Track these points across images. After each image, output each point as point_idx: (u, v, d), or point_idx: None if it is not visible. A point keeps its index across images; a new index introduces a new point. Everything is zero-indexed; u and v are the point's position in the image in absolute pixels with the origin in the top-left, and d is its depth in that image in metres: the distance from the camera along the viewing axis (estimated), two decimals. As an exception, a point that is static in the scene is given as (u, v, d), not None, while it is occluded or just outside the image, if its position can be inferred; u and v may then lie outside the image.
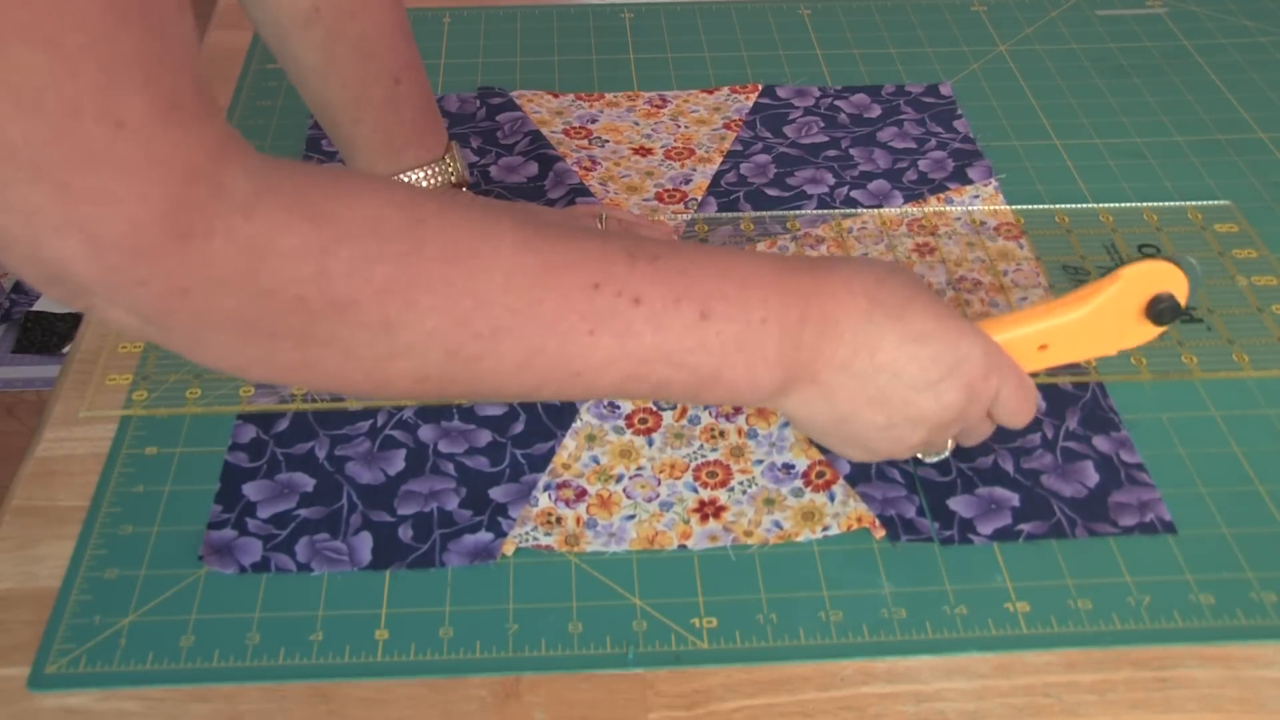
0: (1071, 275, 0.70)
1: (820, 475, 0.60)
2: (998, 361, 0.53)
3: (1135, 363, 0.65)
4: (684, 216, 0.75)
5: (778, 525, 0.58)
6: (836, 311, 0.50)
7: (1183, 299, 0.55)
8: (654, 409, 0.63)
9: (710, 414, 0.63)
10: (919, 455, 0.58)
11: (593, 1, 0.97)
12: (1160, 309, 0.55)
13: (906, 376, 0.51)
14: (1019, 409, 0.54)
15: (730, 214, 0.75)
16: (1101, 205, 0.76)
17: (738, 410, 0.63)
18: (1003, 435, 0.62)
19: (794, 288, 0.50)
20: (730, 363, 0.49)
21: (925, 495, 0.59)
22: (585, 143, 0.82)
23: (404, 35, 0.65)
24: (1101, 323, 0.55)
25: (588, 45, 0.92)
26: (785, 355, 0.50)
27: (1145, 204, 0.76)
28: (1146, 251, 0.72)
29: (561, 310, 0.46)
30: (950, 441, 0.57)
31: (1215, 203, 0.76)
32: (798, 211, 0.75)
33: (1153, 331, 0.56)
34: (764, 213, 0.75)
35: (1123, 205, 0.76)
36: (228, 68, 0.89)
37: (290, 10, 0.61)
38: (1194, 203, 0.76)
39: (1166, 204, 0.76)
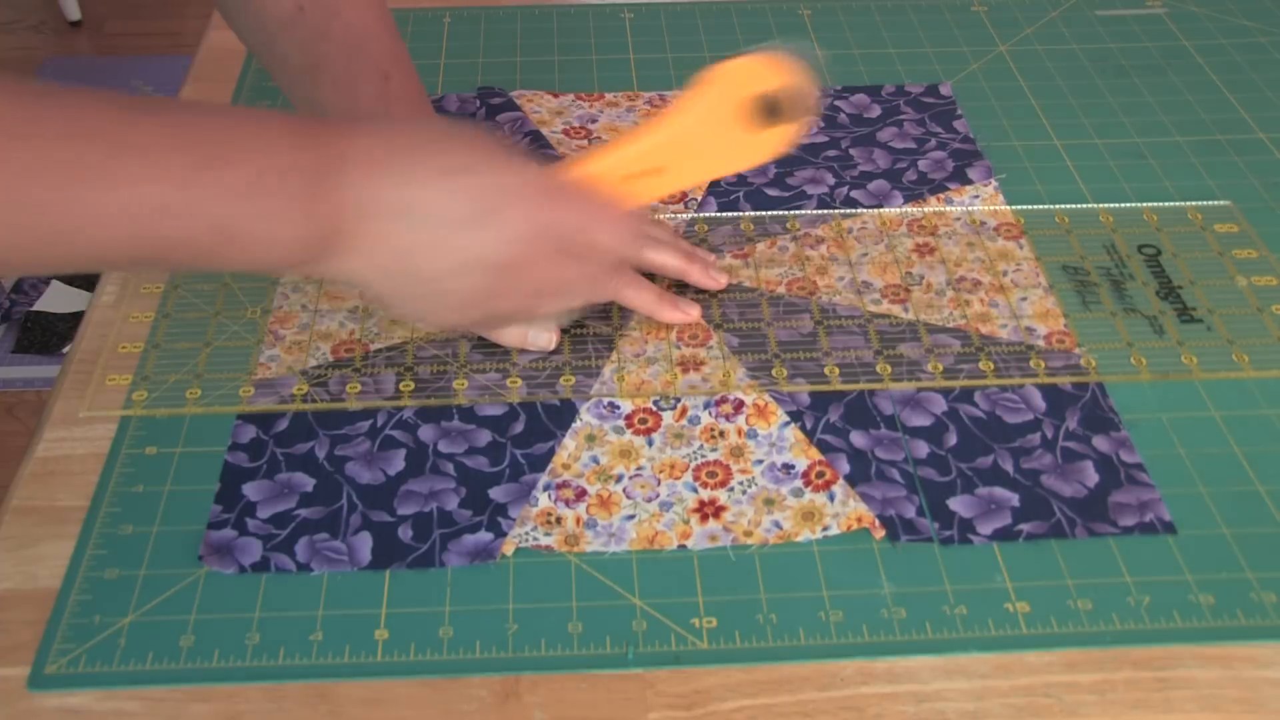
0: (1072, 275, 0.70)
1: (820, 475, 0.60)
2: (566, 194, 0.50)
3: (1135, 363, 0.65)
4: (684, 216, 0.75)
5: (777, 525, 0.58)
6: (360, 154, 0.47)
7: (799, 92, 0.50)
8: (654, 409, 0.63)
9: (710, 414, 0.63)
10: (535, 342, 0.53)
11: (593, 1, 0.97)
12: (770, 105, 0.50)
13: (452, 212, 0.48)
14: (613, 235, 0.51)
15: (730, 214, 0.75)
16: (1101, 205, 0.76)
17: (738, 410, 0.63)
18: (1002, 435, 0.62)
19: (314, 132, 0.47)
20: (243, 213, 0.46)
21: (925, 495, 0.59)
22: (585, 143, 0.81)
23: (389, 30, 0.63)
24: (706, 132, 0.51)
25: (588, 45, 0.92)
26: (310, 207, 0.46)
27: (1145, 204, 0.76)
28: (1146, 251, 0.72)
29: (39, 160, 0.43)
30: (555, 311, 0.52)
31: (1215, 203, 0.76)
32: (798, 212, 0.75)
33: (780, 137, 0.51)
34: (764, 213, 0.75)
35: (1122, 205, 0.76)
36: (228, 68, 0.89)
37: (274, 11, 0.60)
38: (1194, 203, 0.76)
39: (1166, 204, 0.76)
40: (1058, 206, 0.76)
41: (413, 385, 0.64)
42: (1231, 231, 0.74)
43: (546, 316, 0.52)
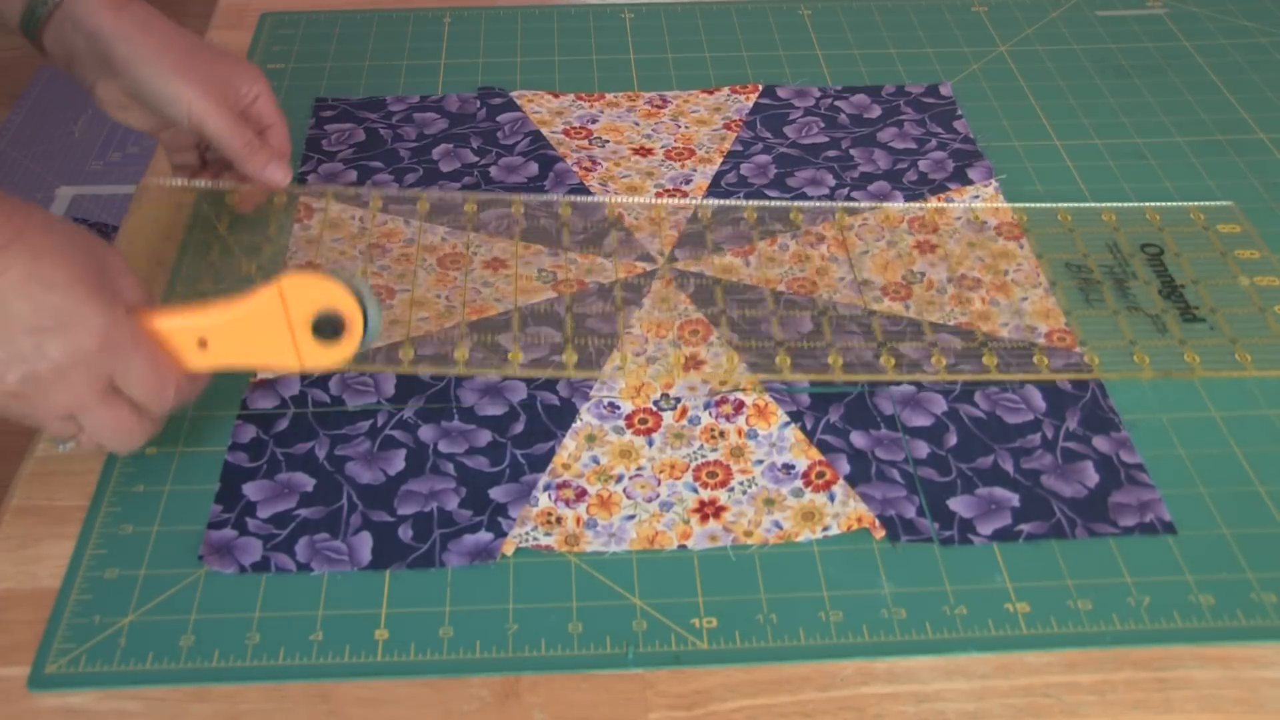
0: (1075, 273, 0.70)
1: (820, 475, 0.60)
2: (124, 339, 0.53)
3: (1138, 361, 0.65)
4: (693, 200, 0.75)
5: (778, 525, 0.58)
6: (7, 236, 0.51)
7: (353, 323, 0.55)
8: (654, 409, 0.63)
9: (710, 414, 0.63)
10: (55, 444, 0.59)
11: (593, 1, 0.97)
12: (320, 323, 0.55)
13: (15, 312, 0.51)
14: (149, 391, 0.55)
15: (734, 202, 0.75)
16: (1104, 204, 0.76)
17: (738, 410, 0.63)
18: (1003, 435, 0.62)
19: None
20: None
21: (925, 495, 0.59)
22: (585, 143, 0.82)
23: None
24: (260, 327, 0.56)
25: (588, 45, 0.92)
26: None
27: (1148, 204, 0.76)
28: (1149, 250, 0.72)
29: None
30: (80, 431, 0.56)
31: (1218, 203, 0.76)
32: (801, 203, 0.75)
33: (331, 352, 0.56)
34: (766, 202, 0.75)
35: (1125, 205, 0.76)
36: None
37: None
38: (1197, 203, 0.76)
39: (1169, 204, 0.76)
40: (1061, 205, 0.76)
41: (412, 353, 0.64)
42: (1234, 232, 0.74)
43: (69, 431, 0.56)
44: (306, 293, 0.55)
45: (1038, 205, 0.76)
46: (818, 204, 0.75)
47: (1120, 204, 0.76)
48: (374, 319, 0.56)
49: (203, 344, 0.56)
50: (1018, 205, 0.75)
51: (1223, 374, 0.65)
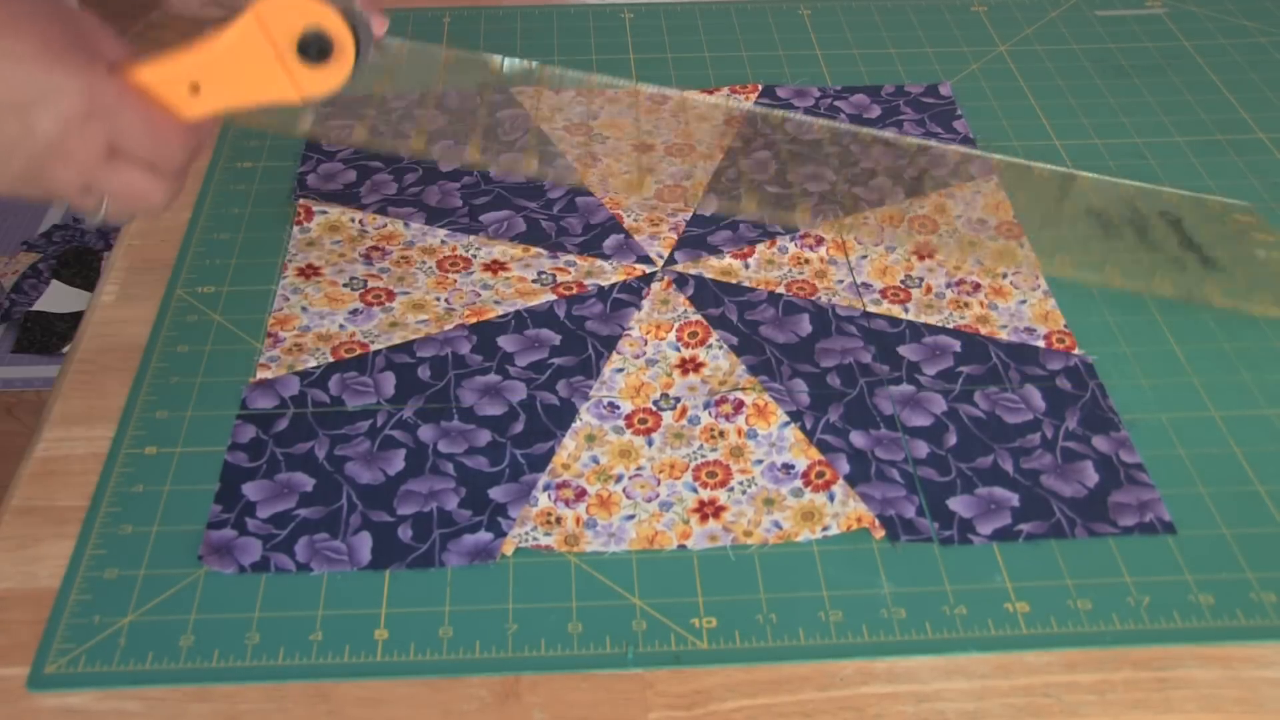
0: (1096, 219, 0.72)
1: (820, 475, 0.60)
2: (109, 99, 0.51)
3: (1158, 285, 0.67)
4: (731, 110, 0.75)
5: (777, 525, 0.58)
6: None
7: (342, 40, 0.53)
8: (654, 409, 0.63)
9: (710, 414, 0.63)
10: (84, 216, 0.55)
11: (593, 1, 0.97)
12: (306, 43, 0.53)
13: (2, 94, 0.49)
14: (151, 146, 0.53)
15: (718, 99, 0.75)
16: (1123, 180, 0.76)
17: (737, 410, 0.63)
18: (1002, 435, 0.62)
19: None
20: None
21: (925, 495, 0.59)
22: (585, 139, 0.81)
23: None
24: (246, 58, 0.53)
25: (588, 45, 0.92)
26: None
27: (1164, 188, 0.76)
28: (1168, 217, 0.72)
29: None
30: (105, 202, 0.54)
31: (1237, 201, 0.77)
32: (792, 114, 0.76)
33: (325, 75, 0.54)
34: (754, 107, 0.75)
35: (1144, 184, 0.76)
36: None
37: None
38: (1216, 197, 0.77)
39: (1187, 192, 0.77)
40: (1083, 173, 0.77)
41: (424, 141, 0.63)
42: (1250, 222, 0.75)
43: (93, 203, 0.54)
44: (285, 13, 0.53)
45: (1059, 168, 0.76)
46: (806, 118, 0.75)
47: (1139, 182, 0.77)
48: (365, 33, 0.54)
49: (195, 89, 0.53)
50: (1040, 164, 0.75)
51: (1239, 305, 0.66)
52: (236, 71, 0.53)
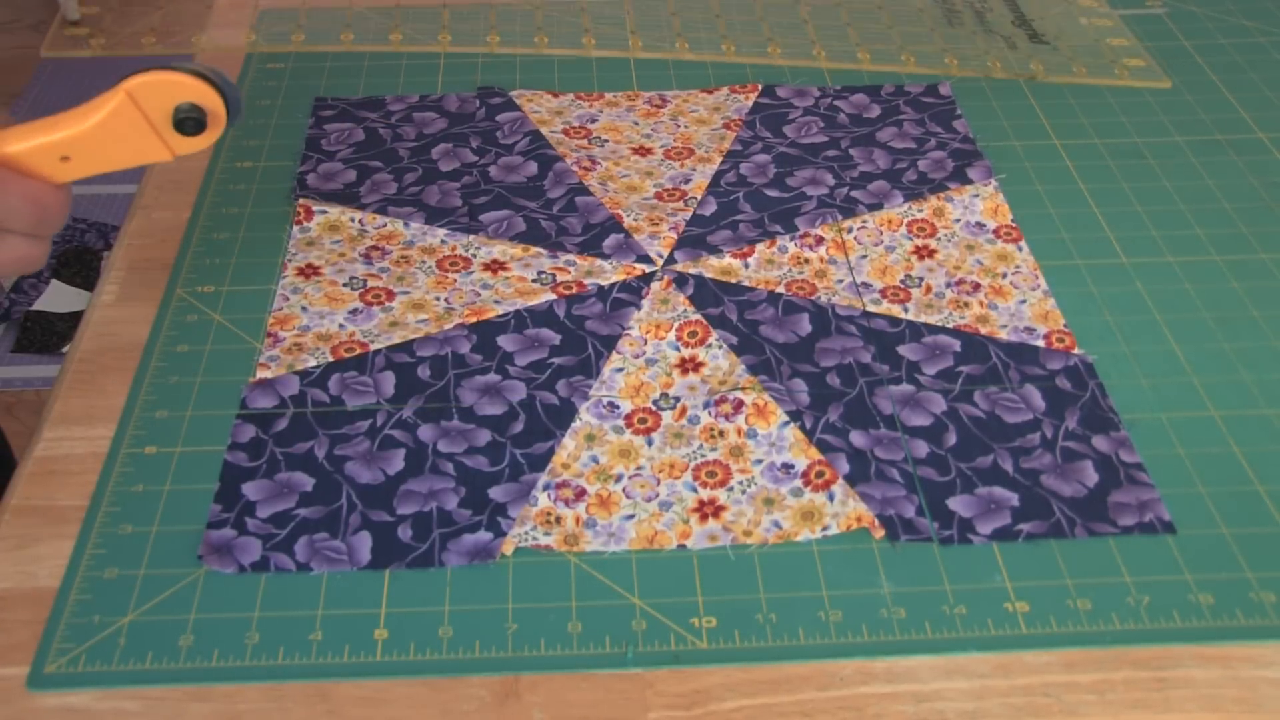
0: (941, 4, 0.89)
1: (820, 475, 0.60)
2: None
3: (990, 65, 0.81)
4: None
5: (777, 525, 0.58)
6: None
7: (215, 111, 0.55)
8: (653, 409, 0.63)
9: (710, 414, 0.63)
10: None
11: (593, 1, 0.97)
12: (182, 119, 0.55)
13: None
14: (31, 221, 0.54)
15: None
16: None
17: (737, 410, 0.63)
18: (1002, 435, 0.62)
19: None
20: None
21: (925, 495, 0.59)
22: (585, 142, 0.82)
23: None
24: (119, 133, 0.55)
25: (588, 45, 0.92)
26: None
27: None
28: None
29: None
30: None
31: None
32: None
33: (198, 141, 0.56)
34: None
35: None
36: (228, 66, 0.89)
37: None
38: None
39: None
40: None
41: (353, 35, 0.67)
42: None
43: None
44: (158, 90, 0.54)
45: None
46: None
47: None
48: (234, 101, 0.56)
49: (65, 159, 0.55)
50: None
51: (1061, 79, 0.79)
52: (110, 143, 0.56)
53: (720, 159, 0.80)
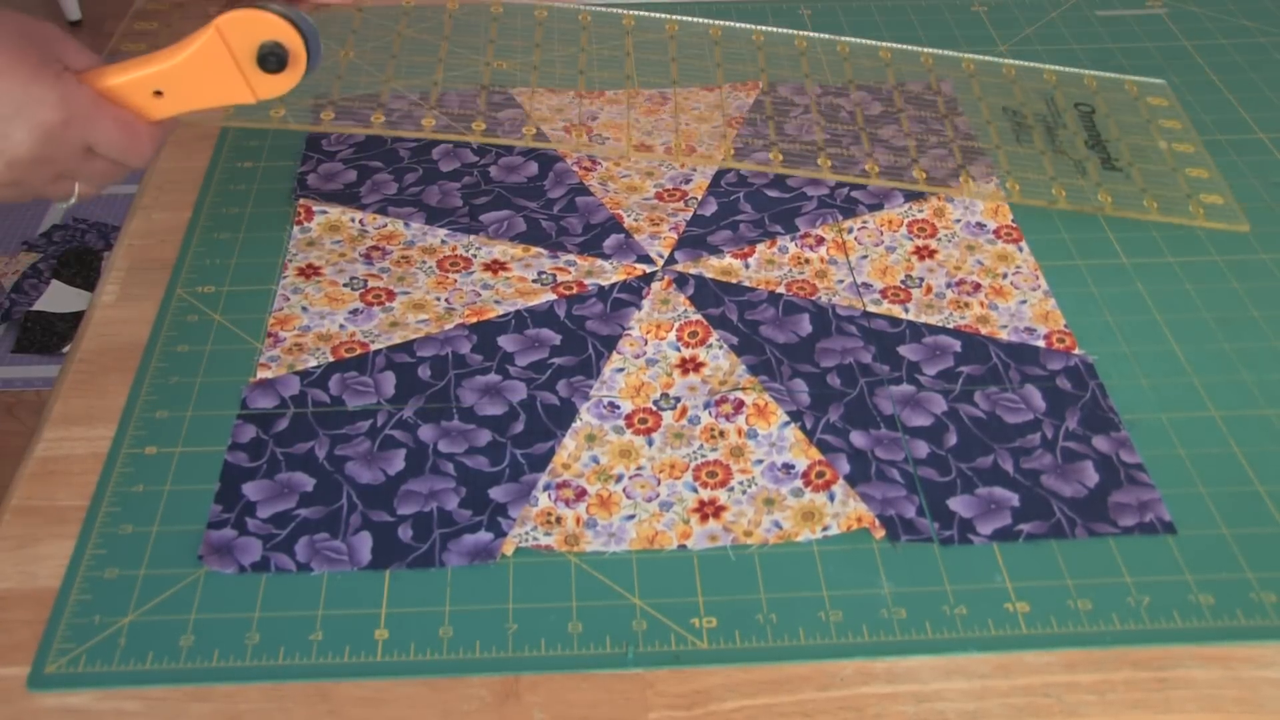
0: (1010, 116, 0.79)
1: (820, 475, 0.60)
2: (84, 107, 0.56)
3: (1055, 193, 0.73)
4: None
5: (777, 525, 0.58)
6: None
7: (296, 50, 0.58)
8: (654, 409, 0.63)
9: (710, 414, 0.63)
10: (57, 202, 0.61)
11: (593, 1, 0.97)
12: (265, 55, 0.57)
13: None
14: (124, 148, 0.58)
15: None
16: (1046, 66, 0.84)
17: (738, 410, 0.63)
18: (1002, 435, 0.62)
19: None
20: None
21: (925, 495, 0.59)
22: (585, 139, 0.81)
23: None
24: (208, 69, 0.58)
25: (587, 45, 0.92)
26: None
27: (1086, 71, 0.84)
28: (1082, 109, 0.79)
29: None
30: (77, 187, 0.59)
31: (1151, 79, 0.84)
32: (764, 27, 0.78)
33: (278, 81, 0.59)
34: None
35: (1066, 68, 0.83)
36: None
37: None
38: (1131, 77, 0.84)
39: (1105, 74, 0.84)
40: (1006, 60, 0.83)
41: (382, 117, 0.68)
42: (1161, 105, 0.82)
43: (66, 190, 0.60)
44: (245, 28, 0.57)
45: (985, 57, 0.83)
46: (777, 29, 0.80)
47: (1060, 67, 0.84)
48: (315, 43, 0.58)
49: (158, 94, 0.58)
50: (970, 56, 0.83)
51: (1128, 214, 0.72)
52: (198, 79, 0.58)
53: (721, 157, 0.80)
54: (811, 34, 0.82)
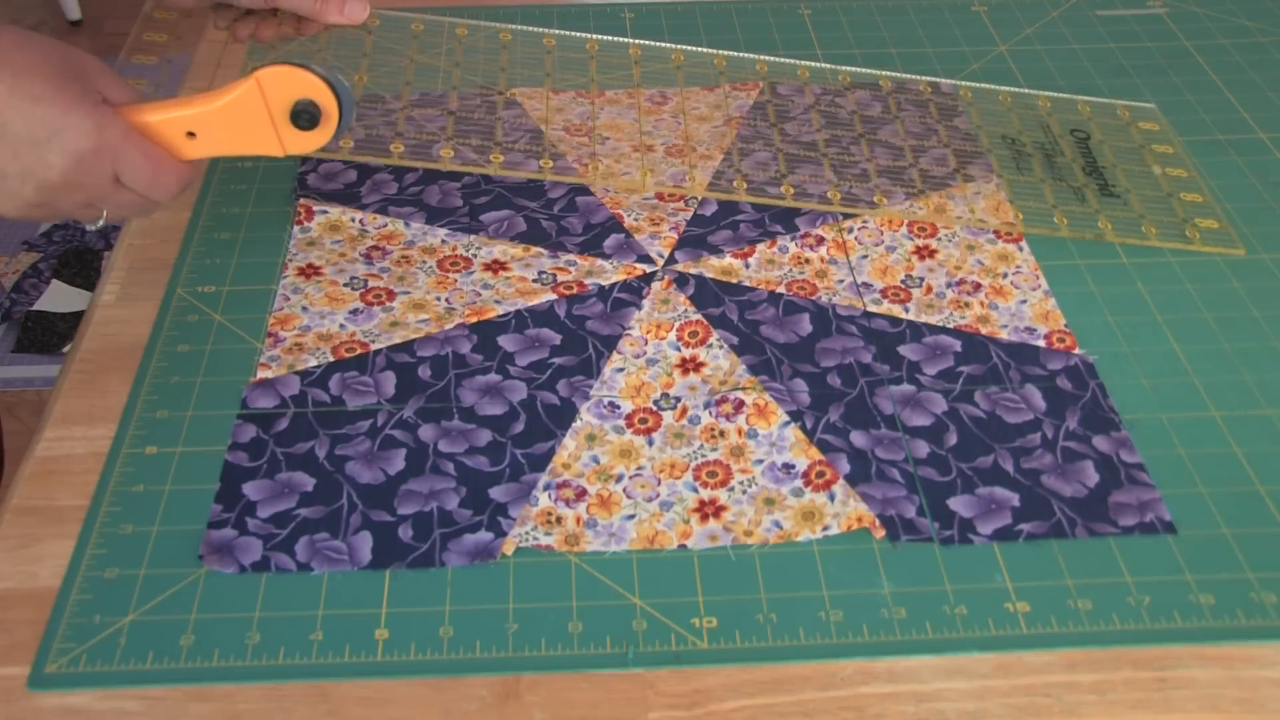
0: (1009, 145, 0.80)
1: (820, 475, 0.60)
2: (115, 138, 0.57)
3: (1057, 221, 0.73)
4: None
5: (778, 525, 0.58)
6: None
7: (329, 110, 0.60)
8: (654, 409, 0.63)
9: (710, 414, 0.63)
10: (83, 223, 0.64)
11: (593, 1, 0.97)
12: (298, 112, 0.60)
13: (13, 130, 0.55)
14: (150, 181, 0.59)
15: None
16: (1040, 91, 0.85)
17: (738, 410, 0.63)
18: (1002, 435, 0.62)
19: None
20: None
21: (925, 495, 0.59)
22: (585, 140, 0.81)
23: None
24: (242, 118, 0.60)
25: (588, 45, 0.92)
26: None
27: (1079, 96, 0.85)
28: (1078, 135, 0.81)
29: None
30: (103, 212, 0.61)
31: (1142, 104, 0.85)
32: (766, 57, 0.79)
33: (308, 138, 0.61)
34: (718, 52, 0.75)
35: (1058, 94, 0.85)
36: (227, 65, 0.89)
37: None
38: (1123, 101, 0.85)
39: (1097, 99, 0.85)
40: (1001, 88, 0.84)
41: (402, 147, 0.69)
42: (1153, 129, 0.82)
43: (94, 215, 0.62)
44: (283, 82, 0.59)
45: (980, 85, 0.84)
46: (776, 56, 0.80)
47: (1053, 93, 0.84)
48: (348, 107, 0.60)
49: (191, 135, 0.60)
50: (964, 83, 0.84)
51: (1130, 241, 0.73)
52: (232, 126, 0.60)
53: (721, 156, 0.80)
54: (814, 64, 0.83)
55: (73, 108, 0.56)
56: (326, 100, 0.60)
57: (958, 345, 0.67)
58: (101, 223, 0.62)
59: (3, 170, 0.56)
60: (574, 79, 0.82)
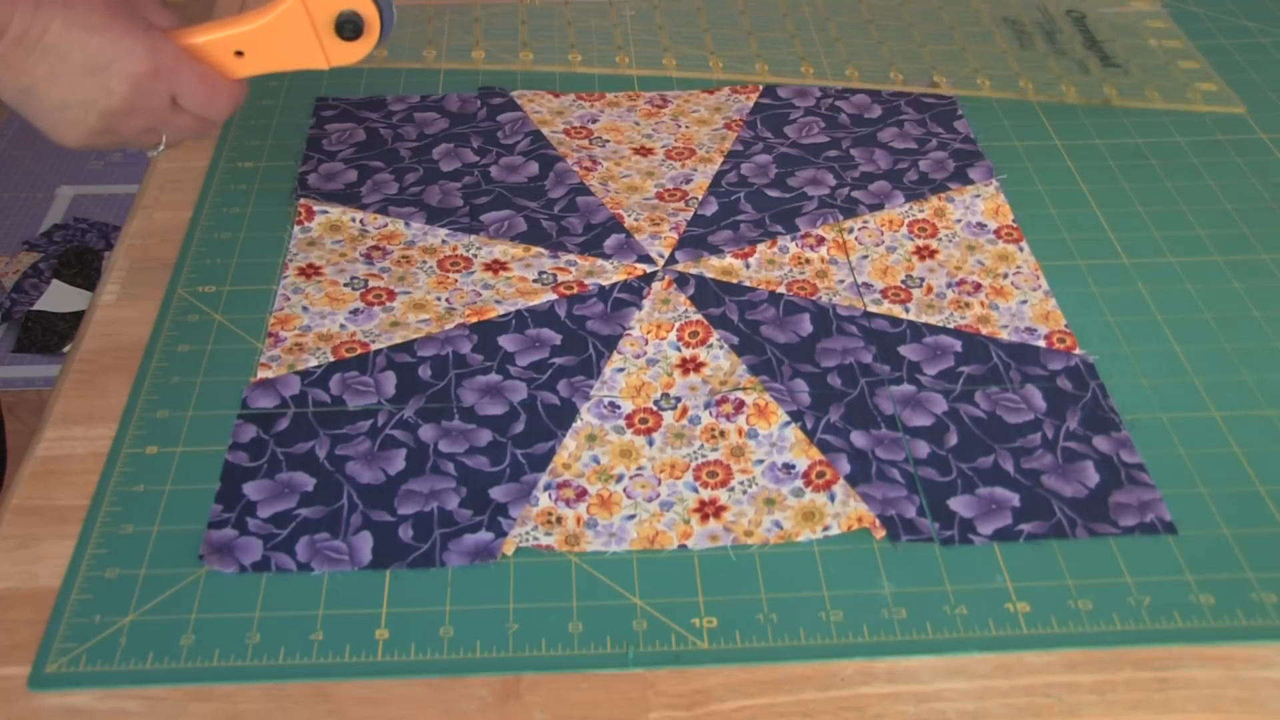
0: (1011, 25, 0.86)
1: (820, 475, 0.60)
2: (170, 60, 0.59)
3: (1064, 89, 0.81)
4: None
5: (778, 525, 0.58)
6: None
7: (371, 20, 0.62)
8: (654, 409, 0.63)
9: (711, 414, 0.63)
10: (145, 151, 0.65)
11: (593, 1, 0.97)
12: (342, 23, 0.62)
13: (72, 60, 0.57)
14: (205, 101, 0.61)
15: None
16: None
17: (738, 410, 0.63)
18: (1002, 435, 0.62)
19: None
20: None
21: (925, 495, 0.59)
22: (586, 142, 0.82)
23: None
24: (288, 33, 0.62)
25: (589, 45, 0.92)
26: None
27: None
28: (1074, 15, 0.87)
29: None
30: (163, 137, 0.63)
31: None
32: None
33: (354, 49, 0.63)
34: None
35: None
36: None
37: None
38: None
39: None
40: None
41: (434, 52, 0.74)
42: (1145, 8, 0.89)
43: (154, 140, 0.64)
44: None
45: None
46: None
47: None
48: (389, 14, 0.63)
49: (239, 54, 0.62)
50: None
51: (1134, 103, 0.78)
52: (278, 42, 0.62)
53: (721, 159, 0.80)
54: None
55: (126, 34, 0.57)
56: (368, 9, 0.61)
57: (958, 345, 0.67)
58: (162, 147, 0.63)
59: (65, 100, 0.58)
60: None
